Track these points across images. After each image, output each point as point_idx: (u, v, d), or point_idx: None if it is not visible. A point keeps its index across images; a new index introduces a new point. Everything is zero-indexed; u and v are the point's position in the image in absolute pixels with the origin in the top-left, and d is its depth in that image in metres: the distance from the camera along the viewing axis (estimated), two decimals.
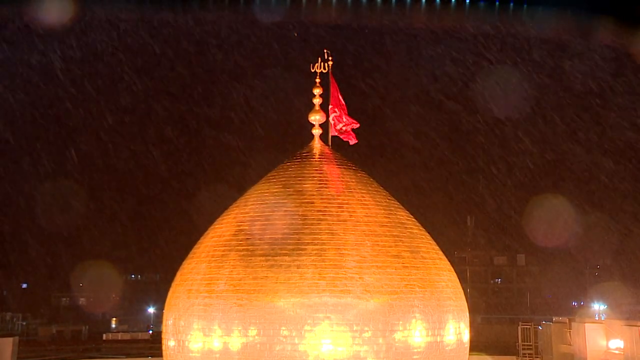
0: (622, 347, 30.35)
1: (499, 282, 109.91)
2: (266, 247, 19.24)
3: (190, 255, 20.97)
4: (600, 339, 31.97)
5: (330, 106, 22.57)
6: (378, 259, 19.19)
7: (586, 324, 32.84)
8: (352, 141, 22.93)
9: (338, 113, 22.52)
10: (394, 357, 18.37)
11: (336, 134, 22.81)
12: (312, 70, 22.43)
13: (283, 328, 18.17)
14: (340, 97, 22.71)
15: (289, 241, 19.20)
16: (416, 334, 18.82)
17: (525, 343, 40.01)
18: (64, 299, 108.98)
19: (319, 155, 22.19)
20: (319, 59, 22.55)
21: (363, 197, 20.76)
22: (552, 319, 41.54)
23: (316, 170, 21.50)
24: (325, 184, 20.96)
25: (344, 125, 22.63)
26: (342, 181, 21.25)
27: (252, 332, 18.29)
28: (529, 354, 39.46)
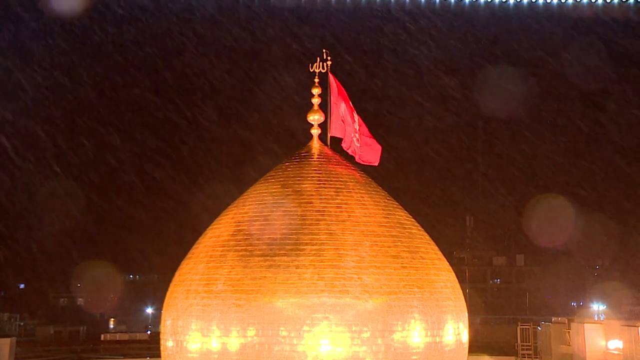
0: (621, 347, 30.36)
1: (498, 282, 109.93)
2: (265, 247, 19.18)
3: (188, 256, 20.90)
4: (599, 339, 32.00)
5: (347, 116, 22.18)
6: (377, 259, 19.13)
7: (585, 324, 32.86)
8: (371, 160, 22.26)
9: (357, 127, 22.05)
10: (392, 358, 18.32)
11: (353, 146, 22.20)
12: (311, 70, 22.33)
13: (282, 328, 18.11)
14: (338, 102, 22.32)
15: (287, 241, 19.13)
16: (415, 334, 18.76)
17: (524, 343, 40.02)
18: (62, 299, 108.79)
19: (317, 155, 22.10)
20: (318, 58, 22.46)
21: (362, 197, 20.69)
22: (551, 319, 41.56)
23: (315, 170, 21.41)
24: (324, 184, 20.88)
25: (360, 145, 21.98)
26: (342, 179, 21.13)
27: (251, 332, 18.24)
28: (528, 354, 39.45)
